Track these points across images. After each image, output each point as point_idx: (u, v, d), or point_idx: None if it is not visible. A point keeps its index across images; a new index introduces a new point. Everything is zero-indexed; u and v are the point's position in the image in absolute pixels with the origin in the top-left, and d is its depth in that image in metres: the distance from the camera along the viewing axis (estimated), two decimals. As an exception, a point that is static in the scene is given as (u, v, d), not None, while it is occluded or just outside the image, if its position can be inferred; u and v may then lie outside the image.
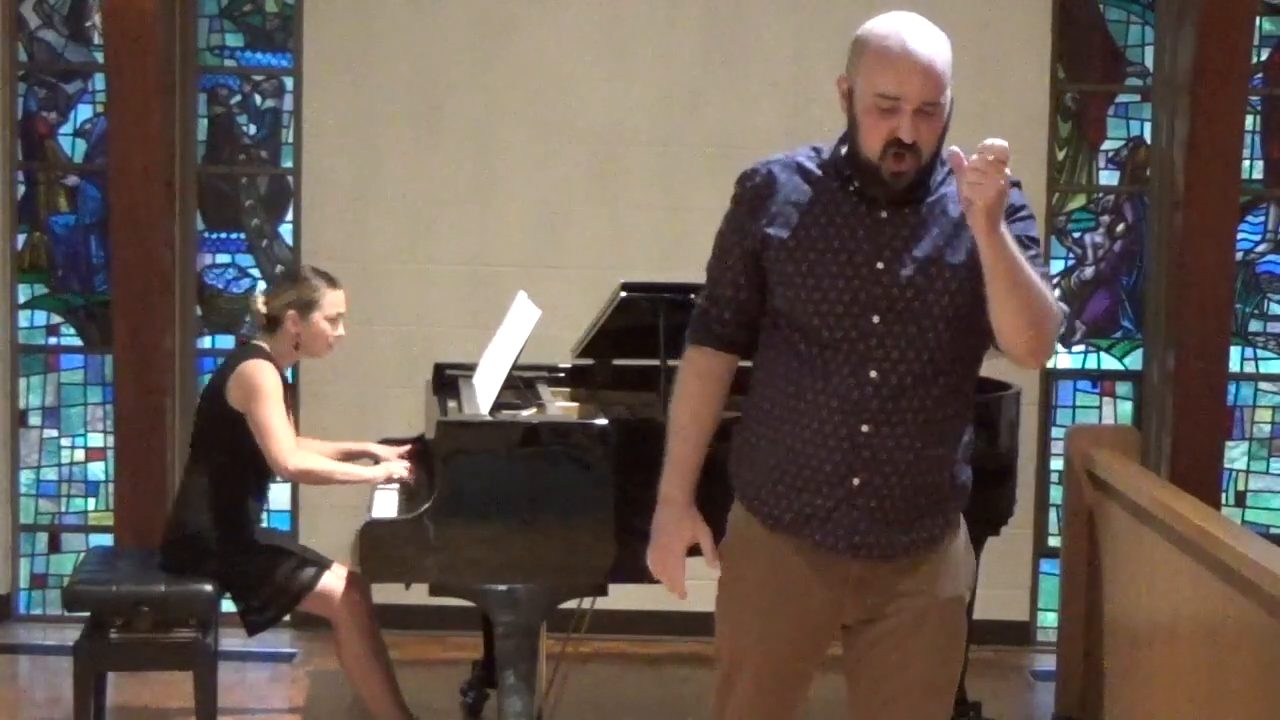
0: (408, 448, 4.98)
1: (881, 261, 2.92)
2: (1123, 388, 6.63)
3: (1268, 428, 6.64)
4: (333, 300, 4.86)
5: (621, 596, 4.60)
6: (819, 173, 3.00)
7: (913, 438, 2.94)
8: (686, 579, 3.17)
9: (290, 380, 6.37)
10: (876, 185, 2.91)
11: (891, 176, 2.88)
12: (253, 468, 4.73)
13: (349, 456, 5.03)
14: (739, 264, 3.06)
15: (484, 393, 4.63)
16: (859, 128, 2.91)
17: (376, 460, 4.95)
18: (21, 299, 6.50)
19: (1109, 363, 6.63)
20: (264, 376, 4.69)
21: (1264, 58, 6.53)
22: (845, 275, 2.93)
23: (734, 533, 3.13)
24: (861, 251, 2.93)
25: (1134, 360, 6.60)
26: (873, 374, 2.92)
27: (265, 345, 4.83)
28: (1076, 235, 6.58)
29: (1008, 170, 2.71)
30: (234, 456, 4.72)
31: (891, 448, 2.93)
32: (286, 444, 4.66)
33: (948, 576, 3.05)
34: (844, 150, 3.00)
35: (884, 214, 2.93)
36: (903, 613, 3.01)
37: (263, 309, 4.85)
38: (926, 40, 2.86)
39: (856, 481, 2.94)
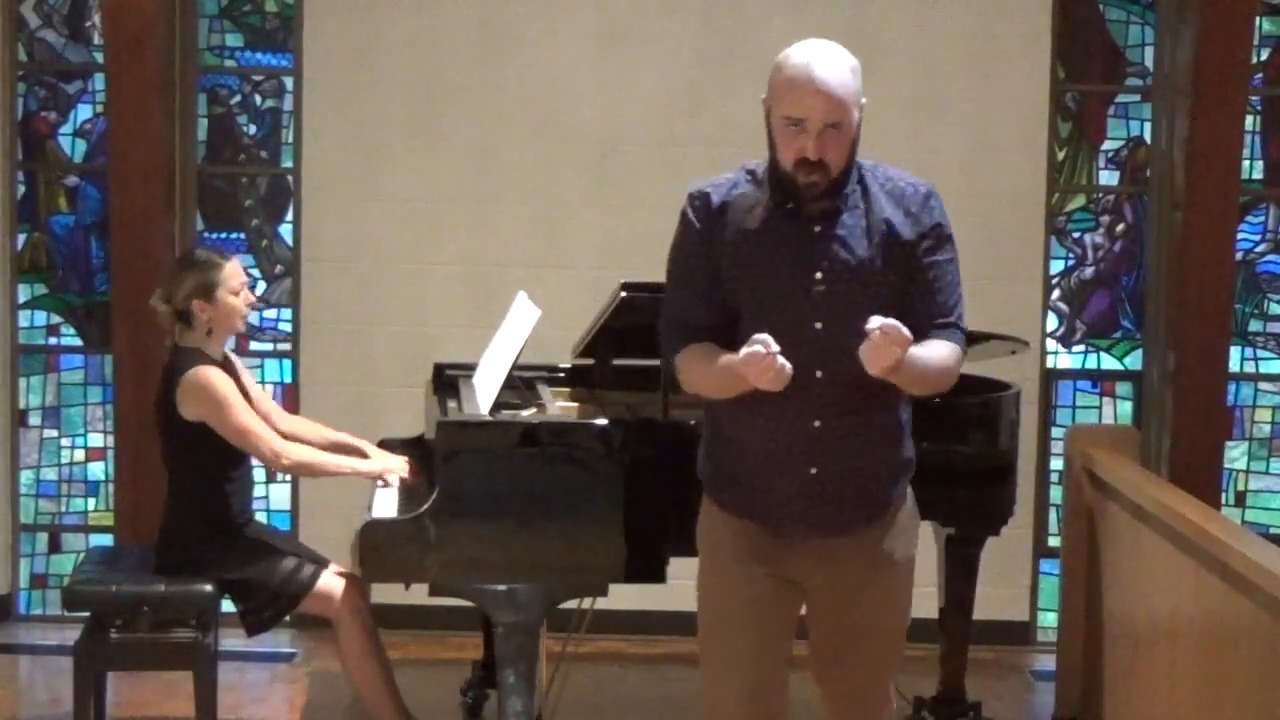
0: (407, 462, 4.90)
1: (820, 272, 3.25)
2: (1123, 388, 6.63)
3: (1268, 428, 6.64)
4: (231, 271, 4.73)
5: (621, 596, 4.60)
6: (756, 195, 3.31)
7: (859, 424, 3.29)
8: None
9: (290, 380, 6.44)
10: (797, 197, 3.23)
11: (805, 188, 3.22)
12: (225, 465, 4.70)
13: (340, 448, 5.01)
14: (703, 283, 3.32)
15: (484, 393, 4.63)
16: (775, 146, 3.26)
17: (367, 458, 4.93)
18: (21, 299, 6.50)
19: (1109, 363, 6.63)
20: (212, 384, 4.60)
21: (1264, 58, 6.53)
22: (788, 289, 3.25)
23: (703, 522, 3.46)
24: (802, 265, 3.25)
25: (1134, 360, 6.60)
26: (818, 374, 3.23)
27: (191, 344, 4.72)
28: (1076, 235, 6.57)
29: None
30: (202, 463, 4.69)
31: (842, 436, 3.28)
32: (272, 441, 4.63)
33: (897, 540, 3.41)
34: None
35: (817, 229, 3.26)
36: (861, 571, 3.36)
37: (165, 307, 4.72)
38: (830, 68, 3.20)
39: (814, 470, 3.28)
